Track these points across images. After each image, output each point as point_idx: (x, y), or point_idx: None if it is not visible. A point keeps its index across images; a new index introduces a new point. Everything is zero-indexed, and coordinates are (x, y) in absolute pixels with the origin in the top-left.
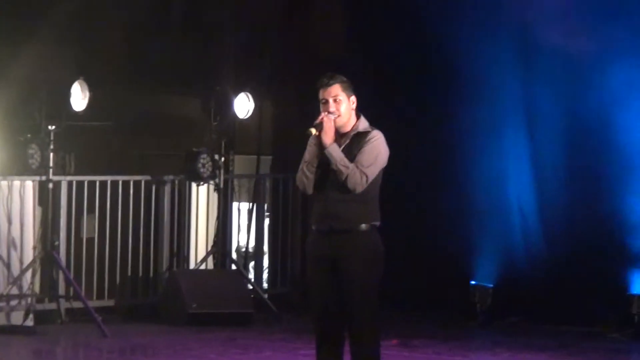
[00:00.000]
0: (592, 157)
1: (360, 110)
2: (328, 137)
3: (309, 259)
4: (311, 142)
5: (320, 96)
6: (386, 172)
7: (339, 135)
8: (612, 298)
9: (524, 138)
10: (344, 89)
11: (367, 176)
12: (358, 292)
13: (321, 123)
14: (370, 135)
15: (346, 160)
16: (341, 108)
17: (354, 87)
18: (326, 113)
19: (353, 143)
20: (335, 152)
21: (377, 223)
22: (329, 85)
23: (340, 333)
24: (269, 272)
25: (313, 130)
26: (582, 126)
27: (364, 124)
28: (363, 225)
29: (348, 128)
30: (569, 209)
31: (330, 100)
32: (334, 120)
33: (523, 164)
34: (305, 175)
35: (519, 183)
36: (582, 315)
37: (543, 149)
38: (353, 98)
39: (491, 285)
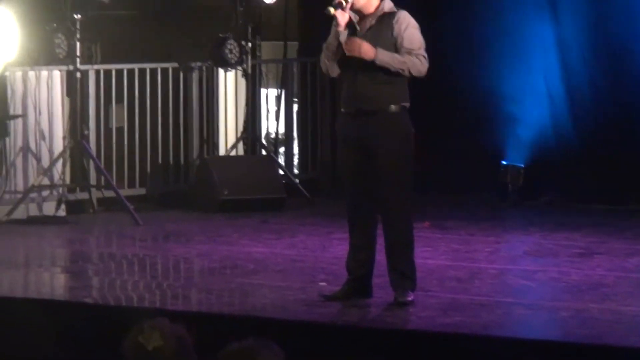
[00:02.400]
0: (616, 36)
1: None
2: (342, 21)
3: (339, 141)
4: (334, 23)
5: None
6: None
7: (364, 17)
8: None
9: (549, 20)
10: None
11: (424, 57)
12: (388, 173)
13: (340, 3)
14: (399, 18)
15: (397, 58)
16: None
17: None
18: None
19: (382, 24)
20: (385, 57)
21: (407, 104)
22: None
23: (373, 215)
24: (299, 158)
25: (332, 10)
26: (606, 7)
27: (389, 4)
28: (392, 106)
29: (372, 9)
30: (595, 88)
31: None
32: (353, 2)
33: (548, 44)
34: (327, 57)
35: (546, 63)
36: (614, 194)
37: (568, 30)
38: None
39: (522, 165)
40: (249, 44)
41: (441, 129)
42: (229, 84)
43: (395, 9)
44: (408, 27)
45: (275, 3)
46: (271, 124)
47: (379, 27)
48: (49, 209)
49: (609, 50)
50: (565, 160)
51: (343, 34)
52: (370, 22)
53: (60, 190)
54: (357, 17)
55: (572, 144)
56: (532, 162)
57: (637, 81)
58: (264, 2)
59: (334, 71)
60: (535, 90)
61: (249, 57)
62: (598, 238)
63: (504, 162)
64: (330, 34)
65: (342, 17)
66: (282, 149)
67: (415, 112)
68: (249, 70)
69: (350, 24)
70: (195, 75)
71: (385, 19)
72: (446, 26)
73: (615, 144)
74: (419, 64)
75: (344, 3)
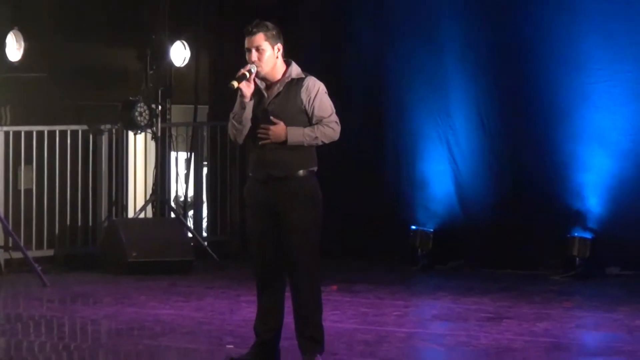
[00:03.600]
0: (526, 105)
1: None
2: (247, 92)
3: (248, 206)
4: (240, 94)
5: (245, 45)
6: None
7: (270, 84)
8: (554, 241)
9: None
10: (268, 38)
11: (336, 122)
12: (297, 237)
13: (243, 75)
14: (308, 85)
15: (308, 134)
16: (264, 58)
17: (283, 34)
18: (247, 68)
19: (290, 90)
20: (296, 138)
21: (315, 168)
22: (252, 34)
23: (281, 279)
24: (208, 221)
25: (235, 83)
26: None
27: (296, 70)
28: (301, 172)
29: (278, 76)
30: (510, 153)
31: (253, 50)
32: (258, 71)
33: (461, 108)
34: (234, 127)
35: (452, 128)
36: (523, 259)
37: (461, 96)
38: (279, 46)
39: (432, 230)
40: (159, 107)
41: (352, 192)
42: (139, 147)
43: (303, 75)
44: (318, 94)
45: (185, 67)
46: (180, 186)
47: (287, 94)
48: None
49: (507, 113)
50: (473, 225)
51: (249, 105)
52: (278, 88)
53: None
54: (264, 84)
55: (479, 210)
56: (441, 227)
57: (550, 147)
58: (174, 66)
59: (242, 139)
60: (440, 156)
61: (159, 120)
62: (507, 302)
63: (413, 227)
64: (236, 102)
65: (247, 88)
66: (191, 212)
67: (324, 175)
68: (159, 133)
69: (256, 91)
70: (104, 138)
71: (293, 85)
72: (354, 85)
73: (521, 209)
74: (330, 133)
75: (247, 75)
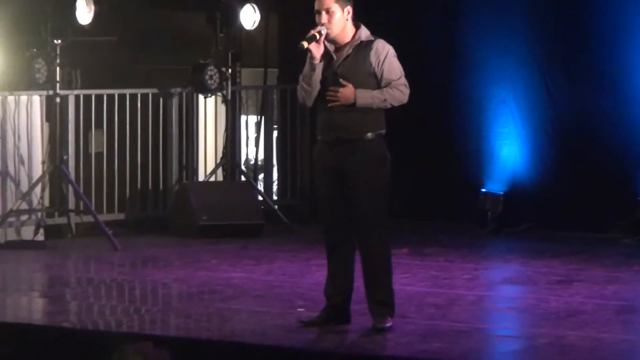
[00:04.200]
0: (597, 61)
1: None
2: (317, 54)
3: (316, 169)
4: (309, 55)
5: (315, 7)
6: None
7: (340, 46)
8: (623, 203)
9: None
10: (338, 0)
11: (405, 85)
12: (366, 200)
13: (313, 36)
14: (377, 47)
15: (377, 97)
16: (333, 20)
17: None
18: (317, 29)
19: (359, 53)
20: (365, 100)
21: (383, 131)
22: None
23: (350, 242)
24: (278, 184)
25: (305, 44)
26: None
27: (365, 33)
28: (369, 134)
29: (347, 38)
30: (579, 113)
31: (323, 12)
32: (327, 33)
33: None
34: (304, 89)
35: (527, 88)
36: (593, 222)
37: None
38: (348, 8)
39: (502, 193)
40: (229, 71)
41: (421, 156)
42: (209, 110)
43: (372, 37)
44: (387, 57)
45: (255, 30)
46: (250, 150)
47: (356, 57)
48: (28, 233)
49: (591, 76)
50: (545, 187)
51: (319, 67)
52: (347, 51)
53: (39, 214)
54: (333, 47)
55: (551, 172)
56: (512, 190)
57: (622, 107)
58: (244, 29)
59: (311, 101)
60: (505, 119)
61: (229, 84)
62: (577, 265)
63: (483, 190)
64: (306, 64)
65: (317, 50)
66: (261, 176)
67: (395, 138)
68: (229, 97)
69: (326, 54)
70: (175, 101)
71: (362, 48)
72: (429, 54)
73: (591, 171)
74: (399, 95)
75: (317, 36)
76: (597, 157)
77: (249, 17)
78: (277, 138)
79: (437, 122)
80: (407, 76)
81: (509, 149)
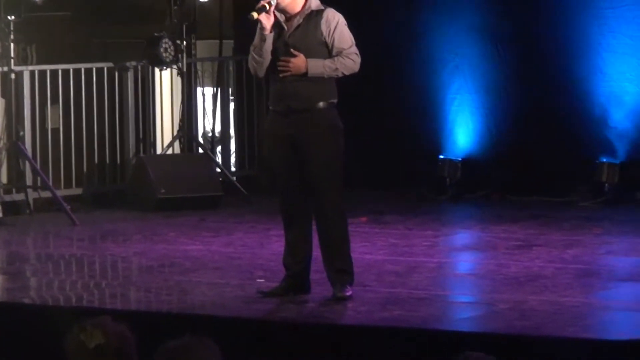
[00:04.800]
0: (551, 25)
1: None
2: (267, 24)
3: (269, 140)
4: (260, 26)
5: None
6: None
7: (290, 16)
8: (582, 167)
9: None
10: None
11: (356, 54)
12: (319, 169)
13: (263, 6)
14: (327, 16)
15: (328, 66)
16: None
17: None
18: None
19: (310, 22)
20: (317, 70)
21: (335, 100)
22: None
23: (307, 211)
24: (236, 155)
25: (255, 14)
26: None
27: (315, 2)
28: (321, 103)
29: (298, 8)
30: (533, 78)
31: None
32: (277, 3)
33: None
34: (255, 60)
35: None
36: (552, 186)
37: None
38: None
39: (460, 159)
40: (184, 43)
41: (378, 124)
42: (165, 83)
43: (322, 7)
44: (337, 26)
45: (209, 2)
46: (208, 122)
47: (307, 26)
48: None
49: (539, 44)
50: (502, 153)
51: (269, 37)
52: (298, 21)
53: None
54: (284, 17)
55: (508, 136)
56: (469, 156)
57: (577, 74)
58: (198, 1)
59: (262, 72)
60: (460, 86)
61: (184, 56)
62: (536, 230)
63: (441, 157)
64: (256, 35)
65: (267, 20)
66: (219, 148)
67: (350, 106)
68: (185, 69)
69: (276, 24)
70: (130, 75)
71: (312, 17)
72: (381, 21)
73: (548, 136)
74: (351, 64)
75: (267, 6)
76: (555, 121)
77: None
78: (234, 109)
79: (392, 90)
80: (359, 45)
81: (465, 115)
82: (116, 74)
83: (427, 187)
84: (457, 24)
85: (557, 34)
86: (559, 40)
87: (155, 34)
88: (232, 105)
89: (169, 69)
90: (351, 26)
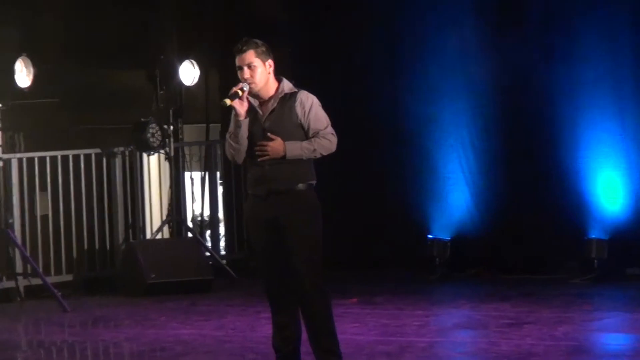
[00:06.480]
0: (535, 112)
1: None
2: (242, 110)
3: (250, 224)
4: (234, 113)
5: (237, 63)
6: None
7: (264, 101)
8: (571, 244)
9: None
10: (259, 54)
11: (332, 134)
12: (300, 250)
13: (235, 93)
14: (301, 99)
15: (306, 147)
16: (256, 74)
17: (273, 51)
18: (239, 86)
19: (284, 106)
20: (295, 152)
21: (314, 182)
22: (242, 51)
23: (292, 293)
24: (225, 239)
25: (228, 101)
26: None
27: (288, 85)
28: (300, 185)
29: (271, 92)
30: (524, 159)
31: (245, 68)
32: (251, 88)
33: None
34: (232, 147)
35: (462, 137)
36: (541, 264)
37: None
38: (270, 62)
39: (448, 238)
40: (171, 127)
41: (366, 204)
42: (153, 168)
43: (295, 89)
44: (312, 107)
45: (196, 86)
46: (196, 206)
47: (282, 109)
48: None
49: (517, 120)
50: (491, 231)
51: (245, 123)
52: (272, 104)
53: None
54: (257, 102)
55: (497, 215)
56: (458, 235)
57: (564, 154)
58: (184, 85)
59: (241, 158)
60: (452, 165)
61: (172, 140)
62: (527, 308)
63: (430, 236)
64: (231, 122)
65: (241, 106)
66: (208, 231)
67: (340, 186)
68: (172, 154)
69: (251, 109)
70: (118, 160)
71: (287, 100)
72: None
73: (537, 214)
74: (328, 144)
75: (240, 92)
76: (543, 199)
77: (189, 74)
78: (223, 193)
79: (382, 169)
80: (349, 122)
81: (455, 194)
82: (104, 159)
83: (416, 266)
84: (452, 107)
85: (547, 113)
86: (556, 124)
87: (142, 119)
88: (220, 189)
89: (156, 154)
90: (341, 106)
